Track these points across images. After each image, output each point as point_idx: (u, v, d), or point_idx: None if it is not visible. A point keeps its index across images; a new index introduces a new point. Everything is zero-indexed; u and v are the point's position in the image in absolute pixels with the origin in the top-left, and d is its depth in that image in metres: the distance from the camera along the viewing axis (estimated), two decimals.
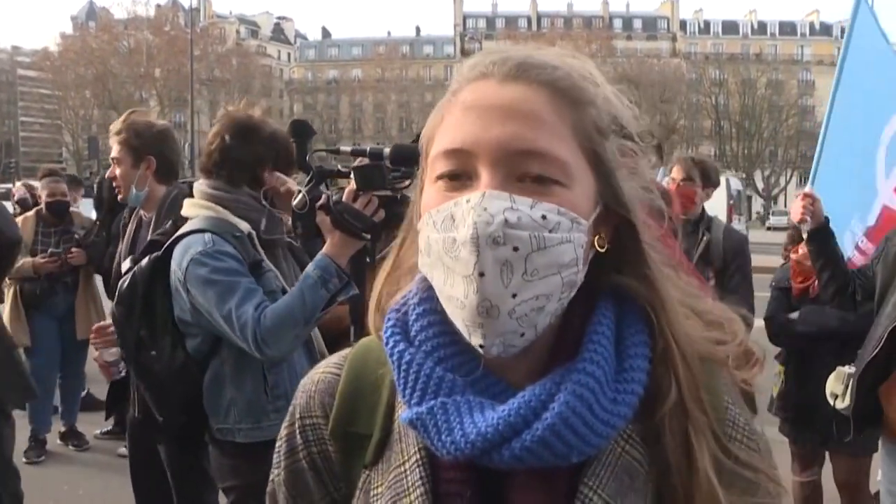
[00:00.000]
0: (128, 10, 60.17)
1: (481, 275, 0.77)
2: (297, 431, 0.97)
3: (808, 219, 3.36)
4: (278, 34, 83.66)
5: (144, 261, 2.65)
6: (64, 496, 5.04)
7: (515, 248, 0.77)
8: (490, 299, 0.77)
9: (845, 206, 3.81)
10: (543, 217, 0.78)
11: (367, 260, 2.50)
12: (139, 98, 53.02)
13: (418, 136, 2.52)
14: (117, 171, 3.26)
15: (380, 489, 0.89)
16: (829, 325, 3.81)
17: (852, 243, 3.92)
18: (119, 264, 3.37)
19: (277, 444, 1.00)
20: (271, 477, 1.01)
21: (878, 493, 4.41)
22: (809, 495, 4.08)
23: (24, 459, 5.46)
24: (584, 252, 0.82)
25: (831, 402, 3.20)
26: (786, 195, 61.49)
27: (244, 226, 2.60)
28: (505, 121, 0.81)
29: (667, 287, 0.89)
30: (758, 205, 63.25)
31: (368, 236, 2.37)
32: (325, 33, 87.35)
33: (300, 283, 2.45)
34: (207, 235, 2.50)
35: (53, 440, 5.86)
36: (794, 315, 3.99)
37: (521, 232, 0.77)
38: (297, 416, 0.98)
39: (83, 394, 6.27)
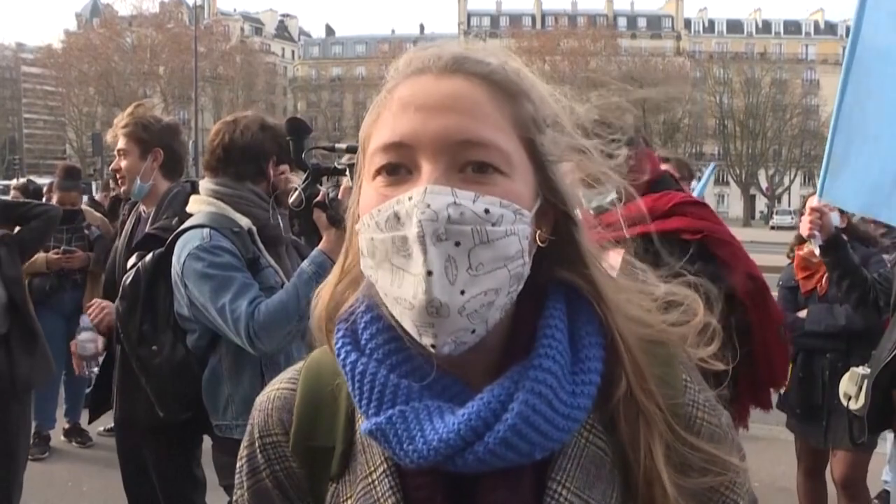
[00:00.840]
0: (132, 6, 60.30)
1: (429, 273, 0.76)
2: (258, 451, 0.96)
3: (817, 233, 3.37)
4: (282, 32, 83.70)
5: (148, 257, 2.68)
6: (67, 493, 5.05)
7: (457, 243, 0.76)
8: (439, 297, 0.76)
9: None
10: (486, 211, 0.78)
11: None
12: (143, 95, 52.88)
13: None
14: (123, 164, 3.23)
15: (350, 501, 0.88)
16: (837, 323, 3.83)
17: None
18: (115, 259, 3.37)
19: (238, 465, 0.99)
20: (235, 497, 1.00)
21: (881, 494, 4.43)
22: (814, 492, 4.08)
23: (27, 456, 5.48)
24: (528, 244, 0.82)
25: (844, 403, 3.20)
26: (790, 194, 61.37)
27: (244, 221, 2.61)
28: (445, 112, 0.80)
29: (604, 279, 0.89)
30: (761, 204, 63.19)
31: None
32: (329, 31, 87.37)
33: (295, 278, 2.47)
34: (206, 231, 2.52)
35: (57, 437, 5.88)
36: (803, 314, 4.00)
37: (463, 227, 0.77)
38: (257, 435, 0.96)
39: (87, 390, 6.29)
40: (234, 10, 79.14)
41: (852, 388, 3.17)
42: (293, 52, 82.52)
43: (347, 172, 2.37)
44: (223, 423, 2.59)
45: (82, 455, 5.77)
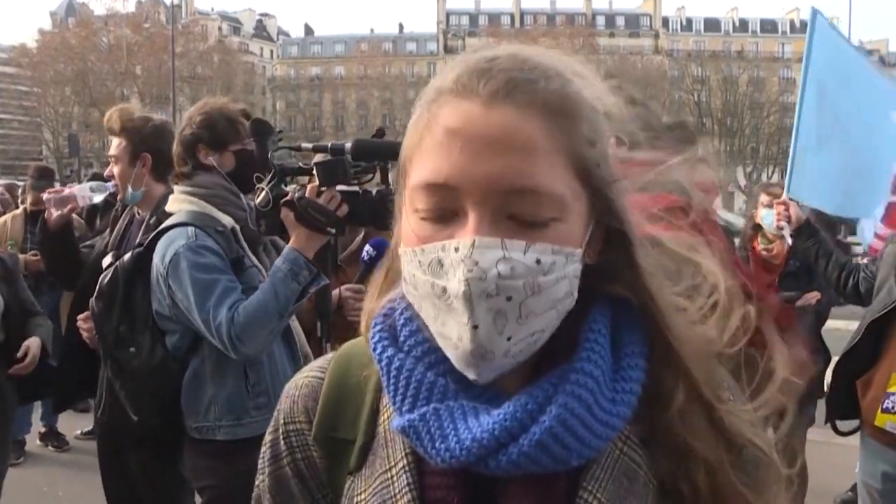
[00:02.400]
0: (107, 6, 59.64)
1: (475, 327, 0.74)
2: (281, 438, 0.96)
3: (786, 224, 3.63)
4: (261, 31, 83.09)
5: (127, 256, 2.64)
6: (44, 497, 5.01)
7: (509, 298, 0.74)
8: (484, 346, 0.75)
9: (866, 194, 3.95)
10: (538, 261, 0.75)
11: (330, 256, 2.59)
12: (120, 95, 52.35)
13: (378, 129, 2.55)
14: (115, 170, 3.19)
15: (363, 495, 0.87)
16: None
17: (871, 231, 4.05)
18: (102, 256, 3.32)
19: (262, 450, 0.99)
20: (256, 482, 1.00)
21: (854, 486, 4.48)
22: None
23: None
24: (577, 279, 0.80)
25: (826, 391, 3.32)
26: None
27: (227, 220, 2.60)
28: (494, 153, 0.74)
29: (662, 291, 0.85)
30: (740, 201, 63.76)
31: (333, 231, 2.43)
32: (308, 30, 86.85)
33: (270, 277, 2.45)
34: (191, 229, 2.50)
35: (33, 441, 5.82)
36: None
37: (515, 282, 0.74)
38: (282, 421, 0.96)
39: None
40: (212, 10, 78.35)
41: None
42: (272, 51, 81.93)
43: (315, 172, 2.38)
44: (203, 425, 2.56)
45: (58, 459, 5.73)
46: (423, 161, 0.78)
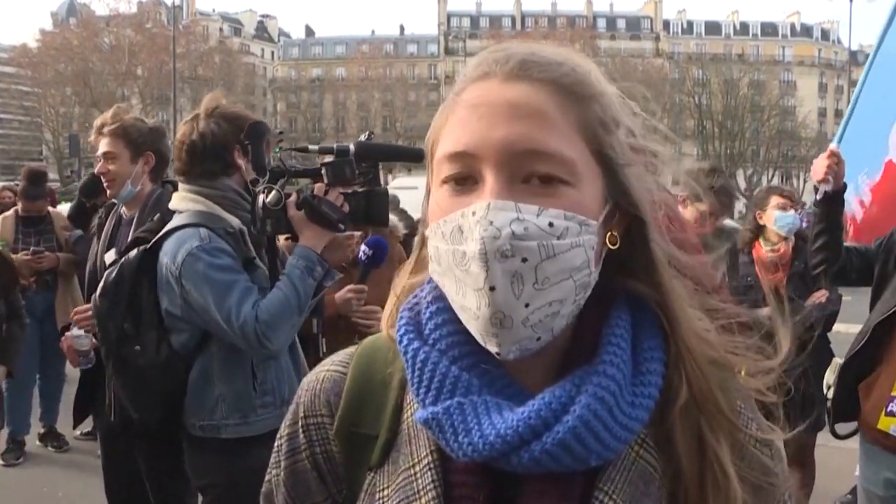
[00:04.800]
0: (109, 6, 59.66)
1: (492, 289, 0.76)
2: (301, 430, 0.95)
3: (831, 179, 3.20)
4: (262, 32, 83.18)
5: (132, 253, 2.62)
6: (43, 498, 5.00)
7: (524, 259, 0.76)
8: (503, 311, 0.76)
9: (857, 161, 3.72)
10: (551, 224, 0.77)
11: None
12: (121, 96, 52.35)
13: (369, 133, 2.61)
14: (111, 167, 3.19)
15: (386, 491, 0.87)
16: (805, 322, 3.92)
17: (856, 197, 3.86)
18: (95, 262, 3.33)
19: (277, 443, 0.98)
20: (268, 477, 0.99)
21: (854, 489, 4.48)
22: None
23: (1, 462, 5.43)
24: (595, 253, 0.81)
25: (826, 393, 3.25)
26: None
27: (236, 222, 2.60)
28: (509, 121, 0.79)
29: (676, 289, 0.87)
30: (740, 204, 63.78)
31: (343, 228, 2.50)
32: (309, 31, 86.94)
33: (287, 275, 2.49)
34: (203, 231, 2.50)
35: (32, 441, 5.82)
36: (765, 311, 4.10)
37: (529, 243, 0.76)
38: (301, 414, 0.95)
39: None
40: (213, 11, 78.36)
41: (832, 377, 3.22)
42: (273, 52, 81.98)
43: (324, 172, 2.45)
44: (208, 423, 2.56)
45: (59, 460, 5.72)
46: (448, 136, 0.83)
